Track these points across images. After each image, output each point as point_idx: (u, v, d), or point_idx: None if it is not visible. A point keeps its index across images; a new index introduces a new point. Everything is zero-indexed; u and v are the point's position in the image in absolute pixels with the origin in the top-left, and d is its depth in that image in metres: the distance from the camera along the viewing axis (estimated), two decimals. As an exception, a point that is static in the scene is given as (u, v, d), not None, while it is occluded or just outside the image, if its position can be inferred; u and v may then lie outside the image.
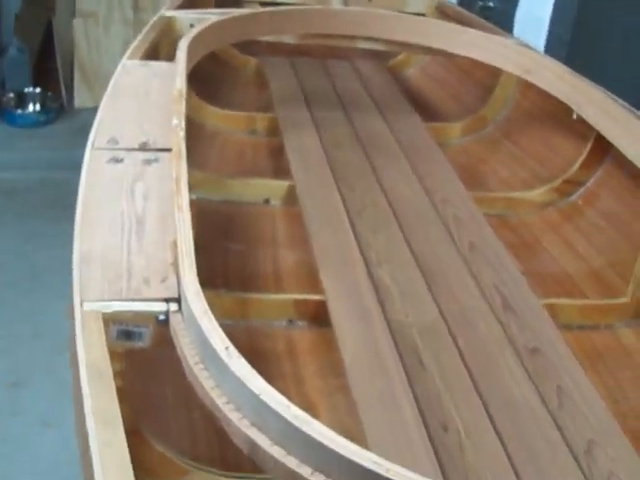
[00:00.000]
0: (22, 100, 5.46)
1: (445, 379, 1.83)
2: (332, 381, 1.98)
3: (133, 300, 1.39)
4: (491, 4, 4.07)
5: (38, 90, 5.52)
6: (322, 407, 1.94)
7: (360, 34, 3.18)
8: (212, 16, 3.01)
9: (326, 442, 1.03)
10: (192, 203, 2.56)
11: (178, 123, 1.94)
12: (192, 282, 1.35)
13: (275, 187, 2.81)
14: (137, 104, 2.19)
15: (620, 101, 2.57)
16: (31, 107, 5.47)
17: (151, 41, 2.80)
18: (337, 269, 2.18)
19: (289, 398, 1.10)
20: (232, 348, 1.18)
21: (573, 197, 2.83)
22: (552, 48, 3.51)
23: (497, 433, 1.70)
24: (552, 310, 2.24)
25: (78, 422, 1.27)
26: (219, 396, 1.18)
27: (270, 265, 2.47)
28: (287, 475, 1.07)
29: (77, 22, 5.75)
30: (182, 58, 2.44)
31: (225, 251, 2.49)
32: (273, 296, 2.27)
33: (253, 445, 1.11)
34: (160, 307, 1.38)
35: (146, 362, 1.61)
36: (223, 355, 1.17)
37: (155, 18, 3.10)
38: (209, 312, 1.26)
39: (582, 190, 2.82)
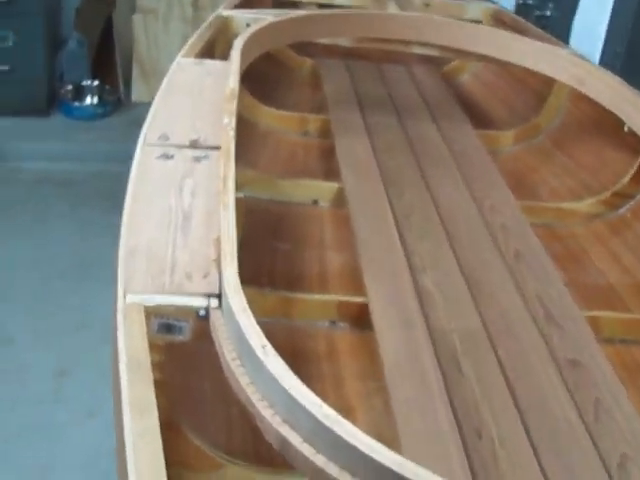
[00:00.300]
0: (80, 92, 5.52)
1: (483, 388, 1.84)
2: (371, 384, 1.99)
3: (175, 294, 1.42)
4: (548, 13, 4.05)
5: (96, 83, 5.58)
6: (359, 409, 1.96)
7: (415, 39, 3.19)
8: (268, 16, 3.04)
9: (354, 442, 1.04)
10: (241, 201, 2.59)
11: (229, 122, 1.97)
12: (233, 279, 1.37)
13: (324, 189, 2.82)
14: (190, 102, 2.22)
15: None
16: (89, 99, 5.54)
17: (207, 40, 2.83)
18: (381, 273, 2.19)
19: (327, 399, 1.11)
20: (269, 347, 1.20)
21: (622, 210, 2.81)
22: (607, 59, 3.49)
23: (531, 443, 1.70)
24: (595, 323, 2.23)
25: (116, 413, 1.30)
26: (253, 392, 1.20)
27: (316, 266, 2.49)
28: (315, 472, 1.09)
29: (137, 17, 5.82)
30: (236, 57, 2.46)
31: (273, 250, 2.52)
32: (317, 296, 2.29)
33: (284, 442, 1.13)
34: (201, 302, 1.41)
35: (186, 356, 1.64)
36: (259, 353, 1.19)
37: (212, 17, 3.14)
38: (248, 309, 1.28)
39: (632, 203, 2.80)
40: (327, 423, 1.07)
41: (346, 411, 1.88)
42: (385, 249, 2.30)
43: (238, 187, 2.55)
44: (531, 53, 2.99)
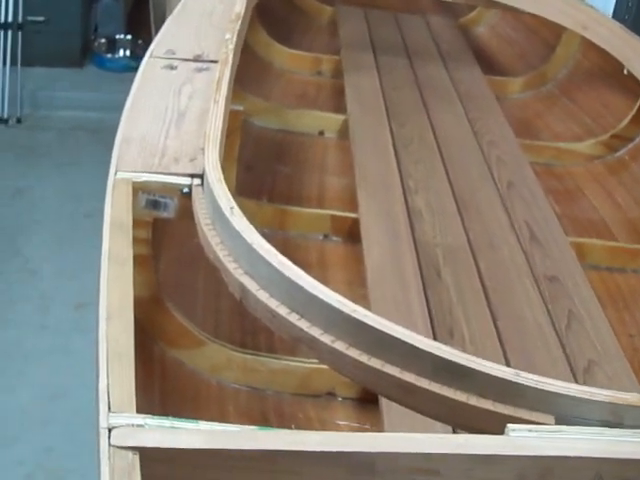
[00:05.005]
0: (113, 46, 5.63)
1: (460, 293, 1.94)
2: (357, 290, 2.07)
3: (162, 174, 1.54)
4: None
5: (129, 37, 5.69)
6: None
7: None
8: None
9: (301, 283, 1.15)
10: (251, 128, 2.70)
11: (230, 37, 2.07)
12: (213, 158, 1.47)
13: (331, 120, 2.92)
14: (199, 24, 2.32)
15: None
16: (121, 53, 5.64)
17: None
18: (375, 191, 2.29)
19: None
20: (236, 208, 1.31)
21: (621, 152, 2.89)
22: (619, 13, 3.57)
23: (501, 343, 1.79)
24: (580, 249, 2.32)
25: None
26: (221, 250, 1.31)
27: (315, 187, 2.60)
28: (269, 315, 1.20)
29: (171, -26, 5.91)
30: None
31: (275, 172, 2.63)
32: (311, 210, 2.40)
33: (244, 290, 1.24)
34: (185, 181, 1.53)
35: (174, 235, 1.76)
36: (227, 213, 1.30)
37: None
38: (223, 181, 1.39)
39: (630, 146, 2.88)
40: (280, 269, 1.18)
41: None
42: (381, 171, 2.40)
43: (248, 114, 2.66)
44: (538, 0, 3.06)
